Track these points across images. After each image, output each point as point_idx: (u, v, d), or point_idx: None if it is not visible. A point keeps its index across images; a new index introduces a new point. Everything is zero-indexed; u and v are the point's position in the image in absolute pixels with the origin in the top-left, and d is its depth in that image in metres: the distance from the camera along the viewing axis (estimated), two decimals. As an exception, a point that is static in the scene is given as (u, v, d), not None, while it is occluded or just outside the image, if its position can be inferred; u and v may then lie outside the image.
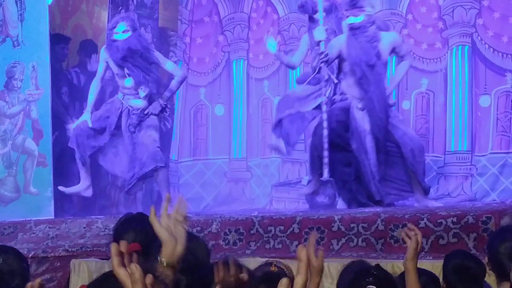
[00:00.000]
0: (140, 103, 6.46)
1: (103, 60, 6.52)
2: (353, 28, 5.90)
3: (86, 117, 6.53)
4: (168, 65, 6.64)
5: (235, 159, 7.85)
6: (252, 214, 5.69)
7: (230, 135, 7.90)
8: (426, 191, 5.97)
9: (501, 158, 6.66)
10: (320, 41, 6.02)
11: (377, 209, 5.64)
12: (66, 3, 6.65)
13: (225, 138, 7.92)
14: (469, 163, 6.80)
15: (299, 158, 7.30)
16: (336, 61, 6.06)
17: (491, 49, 6.84)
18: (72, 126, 6.66)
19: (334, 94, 6.16)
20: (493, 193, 6.64)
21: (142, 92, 6.44)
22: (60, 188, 6.56)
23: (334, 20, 6.33)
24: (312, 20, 6.32)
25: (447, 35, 7.01)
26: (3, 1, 6.87)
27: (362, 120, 5.90)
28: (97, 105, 6.67)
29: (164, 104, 6.54)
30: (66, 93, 6.98)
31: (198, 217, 5.74)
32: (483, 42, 6.88)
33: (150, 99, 6.49)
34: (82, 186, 6.55)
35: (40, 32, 6.67)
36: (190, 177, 7.89)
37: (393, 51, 6.06)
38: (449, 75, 6.92)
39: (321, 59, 5.93)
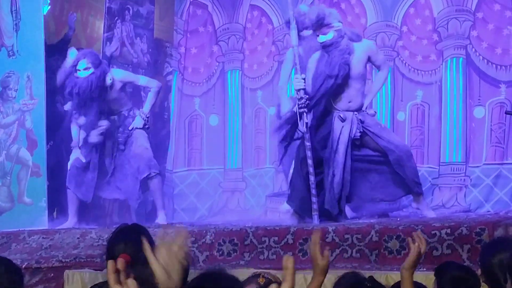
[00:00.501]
0: (97, 138, 6.51)
1: (70, 104, 6.53)
2: (325, 46, 5.88)
3: (77, 154, 6.51)
4: (141, 80, 6.71)
5: (230, 169, 7.85)
6: (246, 225, 5.68)
7: (225, 145, 7.90)
8: (419, 196, 5.95)
9: (495, 169, 6.67)
10: (299, 90, 5.88)
11: (372, 220, 5.64)
12: (60, 13, 6.66)
13: (219, 148, 7.92)
14: (463, 174, 6.80)
15: (293, 169, 7.29)
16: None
17: (485, 60, 6.86)
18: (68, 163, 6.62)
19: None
20: (487, 204, 6.64)
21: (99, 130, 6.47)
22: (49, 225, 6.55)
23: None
24: (299, 37, 6.19)
25: (442, 47, 7.03)
26: (-2, 11, 6.88)
27: (340, 131, 5.88)
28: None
29: (146, 118, 6.58)
30: (60, 101, 6.96)
31: (192, 227, 5.73)
32: (477, 54, 6.90)
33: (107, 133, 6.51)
34: (71, 223, 6.53)
35: (35, 42, 6.68)
36: (185, 187, 7.88)
37: (369, 60, 6.04)
38: (443, 86, 6.94)
39: (300, 106, 5.85)
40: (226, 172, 7.85)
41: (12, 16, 6.83)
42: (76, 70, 6.37)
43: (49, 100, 6.73)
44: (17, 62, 6.80)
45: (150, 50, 7.79)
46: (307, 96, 5.84)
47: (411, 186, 5.90)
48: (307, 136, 5.83)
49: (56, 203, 6.77)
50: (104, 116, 6.52)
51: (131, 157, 6.52)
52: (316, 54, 6.01)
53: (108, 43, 7.27)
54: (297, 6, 6.68)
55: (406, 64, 7.14)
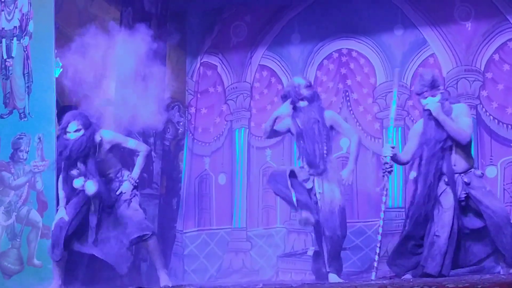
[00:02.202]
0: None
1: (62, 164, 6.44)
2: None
3: (62, 214, 6.35)
4: (130, 143, 6.60)
5: (235, 228, 7.81)
6: (257, 286, 5.63)
7: (232, 205, 7.88)
8: (510, 266, 5.86)
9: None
10: (385, 157, 6.08)
11: (384, 281, 5.59)
12: (74, 75, 6.70)
13: (227, 208, 7.89)
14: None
15: (305, 228, 7.25)
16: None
17: (496, 120, 6.91)
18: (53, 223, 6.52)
19: None
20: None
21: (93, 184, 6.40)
22: None
23: (316, 109, 6.31)
24: (295, 108, 6.33)
25: (452, 106, 7.05)
26: (11, 74, 6.93)
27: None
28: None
29: (136, 183, 6.51)
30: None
31: (203, 290, 5.68)
32: (488, 114, 6.95)
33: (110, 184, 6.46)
34: (55, 286, 6.39)
35: (47, 104, 6.71)
36: (195, 248, 7.84)
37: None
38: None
39: (384, 170, 6.08)
40: (232, 232, 7.81)
41: (24, 79, 6.87)
42: (65, 133, 6.32)
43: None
44: (29, 124, 6.82)
45: (161, 110, 7.80)
46: (392, 163, 6.03)
47: (506, 257, 5.82)
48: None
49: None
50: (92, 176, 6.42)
51: (118, 220, 6.41)
52: (419, 122, 6.14)
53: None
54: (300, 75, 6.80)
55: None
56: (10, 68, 6.93)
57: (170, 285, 6.27)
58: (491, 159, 6.86)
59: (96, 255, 6.45)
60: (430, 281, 5.53)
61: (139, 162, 6.57)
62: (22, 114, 6.87)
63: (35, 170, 6.78)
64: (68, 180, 6.36)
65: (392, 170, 6.08)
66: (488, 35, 7.09)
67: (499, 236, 5.78)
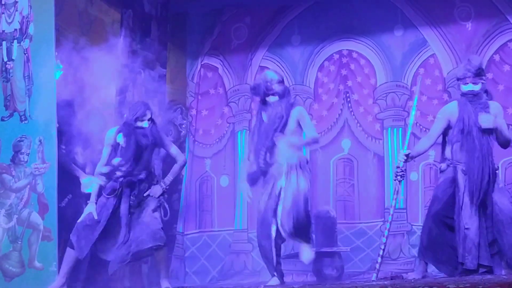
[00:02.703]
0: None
1: (109, 144, 6.40)
2: (470, 95, 5.84)
3: (91, 209, 6.32)
4: (172, 149, 6.59)
5: (237, 230, 7.81)
6: (258, 287, 5.63)
7: (234, 206, 7.88)
8: (509, 267, 5.78)
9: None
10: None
11: (385, 282, 5.56)
12: (73, 78, 6.72)
13: (229, 209, 7.89)
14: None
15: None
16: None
17: (497, 120, 6.87)
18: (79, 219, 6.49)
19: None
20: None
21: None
22: None
23: (284, 104, 6.16)
24: (263, 102, 6.24)
25: (453, 107, 7.04)
26: (11, 76, 6.93)
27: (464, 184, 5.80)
28: None
29: (166, 188, 6.49)
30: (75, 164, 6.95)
31: (204, 291, 5.68)
32: (489, 114, 6.91)
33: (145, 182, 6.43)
34: (58, 284, 6.31)
35: (48, 106, 6.71)
36: (196, 250, 7.84)
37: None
38: (454, 147, 6.92)
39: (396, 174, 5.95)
40: (234, 234, 7.81)
41: (25, 82, 6.87)
42: (137, 121, 6.30)
43: (61, 162, 6.73)
44: (29, 126, 6.81)
45: (162, 113, 7.82)
46: (404, 168, 5.90)
47: (504, 255, 5.74)
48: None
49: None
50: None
51: (137, 224, 6.37)
52: (452, 104, 5.93)
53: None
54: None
55: (418, 124, 7.15)
56: (11, 70, 6.94)
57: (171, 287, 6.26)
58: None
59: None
60: (432, 281, 5.51)
61: (175, 170, 6.52)
62: (22, 117, 6.87)
63: (35, 173, 6.78)
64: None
65: (404, 175, 5.97)
66: (488, 35, 7.09)
67: (501, 234, 5.74)
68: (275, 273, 6.08)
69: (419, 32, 7.33)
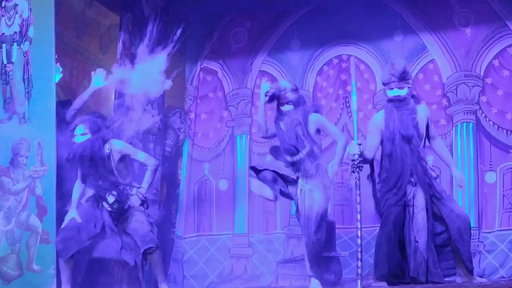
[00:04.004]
0: (109, 207, 6.42)
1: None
2: (395, 101, 5.84)
3: (73, 214, 6.42)
4: (139, 156, 6.59)
5: (237, 234, 7.80)
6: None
7: (234, 211, 7.87)
8: (470, 272, 5.82)
9: (509, 234, 6.65)
10: (354, 155, 5.95)
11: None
12: (70, 80, 6.73)
13: (229, 213, 7.88)
14: (477, 240, 6.75)
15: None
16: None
17: (496, 126, 6.91)
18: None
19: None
20: (502, 270, 6.58)
21: (111, 199, 6.40)
22: None
23: (301, 112, 6.25)
24: (280, 112, 6.32)
25: (452, 112, 7.07)
26: (11, 79, 6.94)
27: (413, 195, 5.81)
28: None
29: (144, 197, 6.49)
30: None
31: (203, 295, 5.67)
32: (488, 119, 6.95)
33: (119, 200, 6.43)
34: None
35: (47, 109, 6.72)
36: (194, 253, 7.82)
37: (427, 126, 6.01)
38: (454, 151, 6.95)
39: (353, 166, 5.92)
40: (234, 238, 7.80)
41: (24, 84, 6.88)
42: (73, 135, 6.39)
43: (60, 166, 6.73)
44: (28, 129, 6.82)
45: (161, 116, 7.82)
46: (360, 159, 5.84)
47: (465, 261, 5.76)
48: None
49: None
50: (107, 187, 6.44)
51: (125, 233, 6.43)
52: (380, 113, 5.98)
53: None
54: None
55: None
56: (10, 73, 6.94)
57: (169, 291, 6.27)
58: (490, 164, 6.85)
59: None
60: None
61: (147, 176, 6.54)
62: (22, 119, 6.88)
63: (34, 175, 6.79)
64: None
65: (362, 166, 5.89)
66: (487, 40, 7.10)
67: (459, 241, 5.71)
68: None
69: (418, 37, 7.34)
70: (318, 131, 6.23)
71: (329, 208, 7.37)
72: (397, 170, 5.78)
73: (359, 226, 5.89)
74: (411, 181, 5.77)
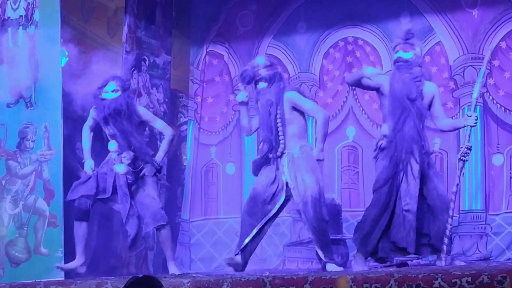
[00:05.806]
0: (122, 169, 6.36)
1: (91, 117, 6.52)
2: (398, 62, 5.74)
3: (90, 164, 6.43)
4: (158, 123, 6.60)
5: (246, 218, 7.79)
6: (263, 274, 5.63)
7: (241, 194, 7.88)
8: (435, 251, 5.77)
9: (516, 217, 6.61)
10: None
11: (390, 269, 5.56)
12: (77, 65, 6.73)
13: (236, 197, 7.89)
14: (484, 222, 6.74)
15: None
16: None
17: (503, 108, 6.87)
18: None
19: None
20: (508, 252, 6.57)
21: (126, 160, 6.38)
22: (57, 265, 6.47)
23: (275, 90, 6.05)
24: (257, 91, 6.15)
25: (459, 94, 7.04)
26: (17, 63, 6.95)
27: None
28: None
29: (159, 166, 6.48)
30: (80, 149, 6.97)
31: (209, 277, 5.68)
32: (495, 102, 6.91)
33: (134, 163, 6.41)
34: (78, 262, 6.41)
35: (53, 93, 6.73)
36: (201, 237, 7.85)
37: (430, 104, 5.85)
38: (461, 134, 6.90)
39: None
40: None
41: (30, 68, 6.90)
42: (102, 92, 6.35)
43: (67, 150, 6.76)
44: (35, 113, 6.84)
45: (167, 100, 7.83)
46: (469, 145, 5.67)
47: (434, 240, 5.71)
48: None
49: (73, 253, 6.71)
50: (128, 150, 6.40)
51: (138, 203, 6.41)
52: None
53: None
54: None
55: (424, 111, 7.11)
56: (17, 56, 6.96)
57: (177, 274, 6.28)
58: (497, 147, 6.82)
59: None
60: (437, 269, 5.50)
61: (164, 145, 6.54)
62: (28, 103, 6.90)
63: (41, 159, 6.81)
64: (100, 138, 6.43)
65: (469, 153, 5.67)
66: (495, 22, 7.03)
67: (433, 220, 5.65)
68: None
69: (425, 19, 7.28)
70: (295, 109, 6.00)
71: (336, 191, 7.41)
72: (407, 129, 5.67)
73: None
74: (409, 150, 5.67)
